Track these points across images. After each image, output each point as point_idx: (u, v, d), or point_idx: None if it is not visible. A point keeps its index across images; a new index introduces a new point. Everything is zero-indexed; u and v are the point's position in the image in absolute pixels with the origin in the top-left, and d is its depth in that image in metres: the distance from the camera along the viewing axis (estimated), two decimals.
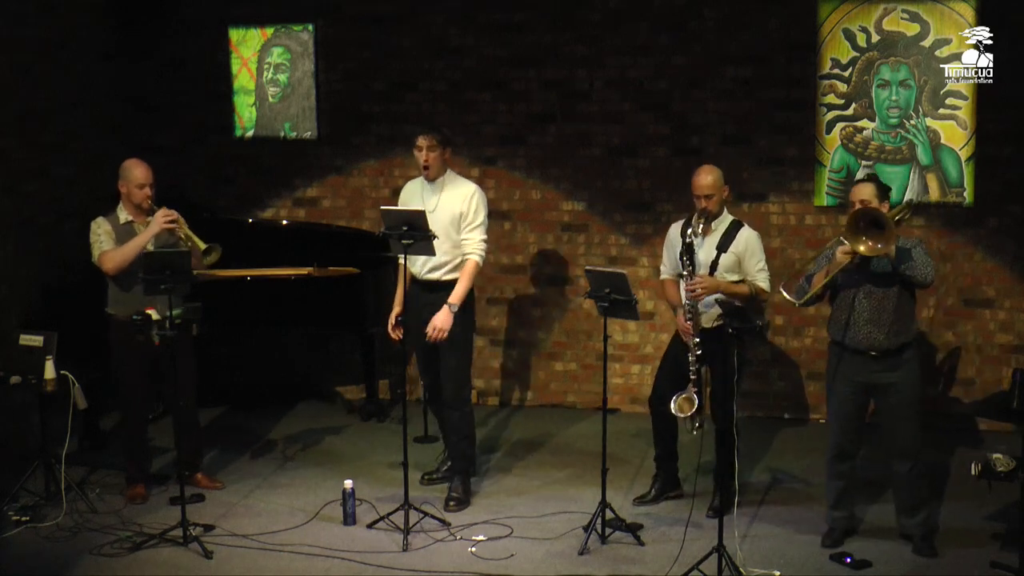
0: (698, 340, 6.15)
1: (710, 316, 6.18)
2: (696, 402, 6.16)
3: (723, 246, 6.21)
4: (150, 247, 6.32)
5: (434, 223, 6.24)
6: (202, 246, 6.37)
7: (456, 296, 6.40)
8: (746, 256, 6.21)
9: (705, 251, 6.21)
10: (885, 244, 5.54)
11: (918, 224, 7.67)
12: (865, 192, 5.80)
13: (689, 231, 6.17)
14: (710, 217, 6.21)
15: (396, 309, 6.62)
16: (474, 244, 6.44)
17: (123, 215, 6.50)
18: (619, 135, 8.22)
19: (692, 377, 6.18)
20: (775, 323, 8.07)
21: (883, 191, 5.86)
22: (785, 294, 6.04)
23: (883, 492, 6.40)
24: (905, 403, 5.82)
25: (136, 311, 6.22)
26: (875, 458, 6.35)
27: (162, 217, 6.35)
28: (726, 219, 6.28)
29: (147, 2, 8.79)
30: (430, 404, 7.14)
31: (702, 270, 6.18)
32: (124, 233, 6.44)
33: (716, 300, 6.10)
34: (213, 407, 8.17)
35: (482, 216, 6.47)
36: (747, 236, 6.24)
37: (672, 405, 6.21)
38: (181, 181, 8.27)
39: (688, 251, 6.15)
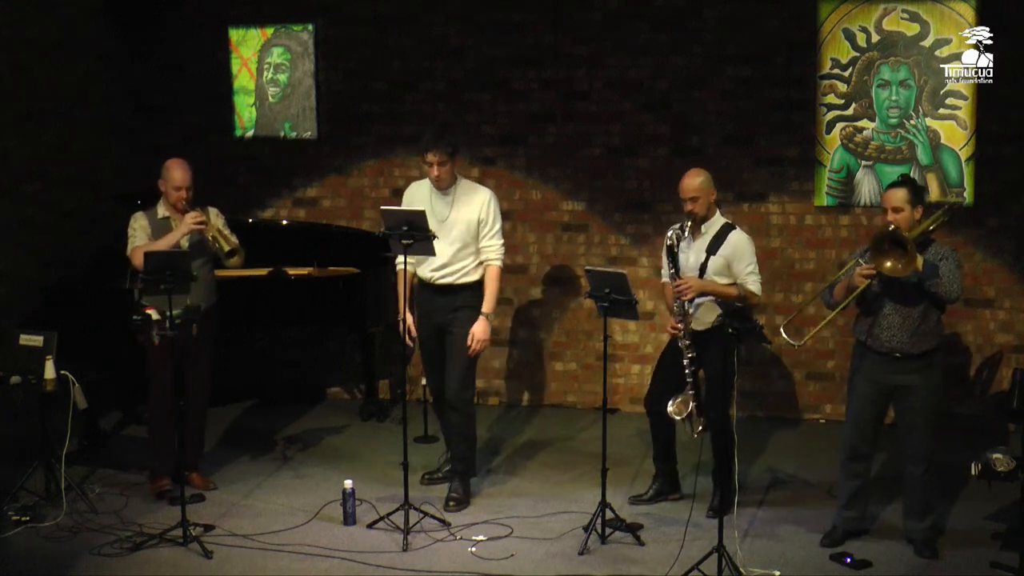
0: (689, 343, 6.15)
1: (702, 320, 6.19)
2: (692, 405, 6.15)
3: (712, 249, 6.18)
4: (184, 243, 6.43)
5: (450, 230, 6.37)
6: (227, 248, 6.48)
7: (488, 305, 6.49)
8: (735, 259, 6.16)
9: (695, 254, 6.20)
10: (906, 265, 5.47)
11: None
12: (897, 198, 5.64)
13: (672, 235, 6.17)
14: (697, 220, 6.20)
15: (409, 318, 6.50)
16: (495, 250, 6.52)
17: (162, 210, 6.60)
18: (619, 135, 8.22)
19: (688, 380, 6.18)
20: (775, 323, 8.05)
21: (917, 195, 5.68)
22: (786, 337, 6.00)
23: (891, 494, 6.40)
24: (923, 407, 5.77)
25: (165, 306, 6.28)
26: (889, 461, 6.33)
27: (191, 220, 6.42)
28: (717, 222, 6.25)
29: (147, 2, 8.78)
30: (434, 407, 7.13)
31: (691, 273, 6.17)
32: (160, 228, 6.54)
33: (718, 304, 6.11)
34: (214, 407, 8.12)
35: (499, 221, 6.53)
36: (736, 239, 6.19)
37: (669, 408, 6.20)
38: None
39: (670, 254, 6.15)
